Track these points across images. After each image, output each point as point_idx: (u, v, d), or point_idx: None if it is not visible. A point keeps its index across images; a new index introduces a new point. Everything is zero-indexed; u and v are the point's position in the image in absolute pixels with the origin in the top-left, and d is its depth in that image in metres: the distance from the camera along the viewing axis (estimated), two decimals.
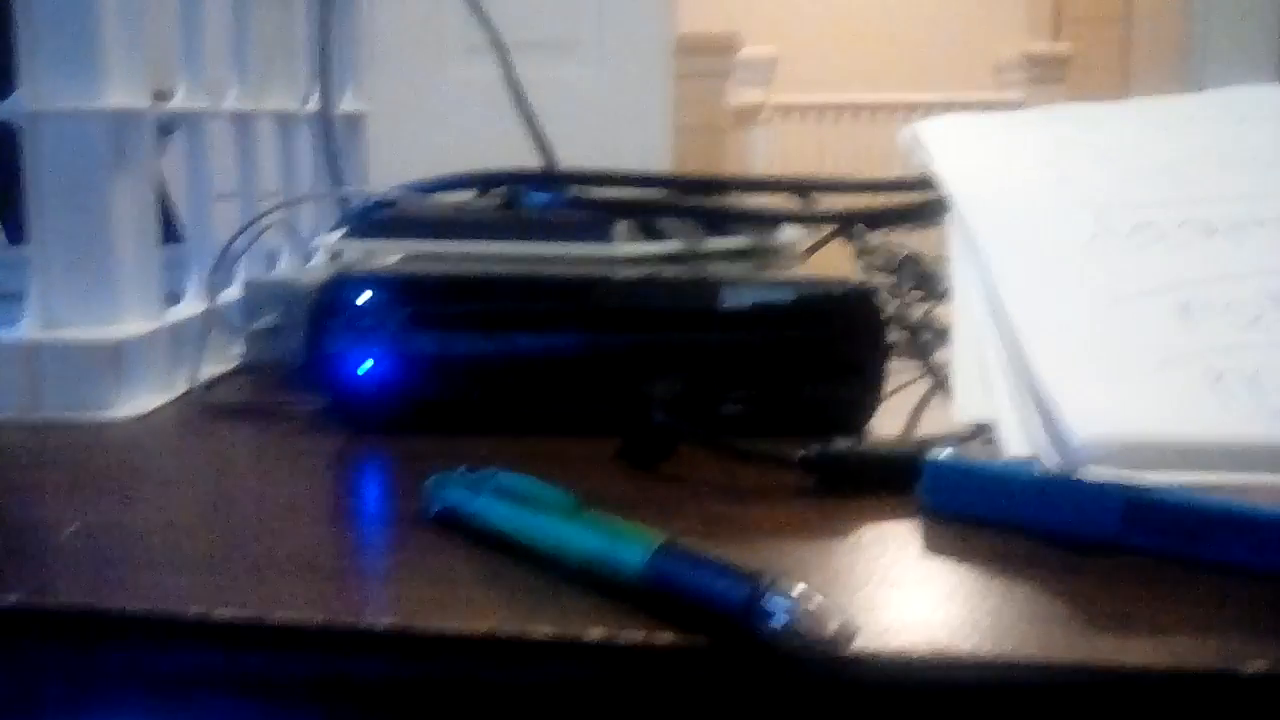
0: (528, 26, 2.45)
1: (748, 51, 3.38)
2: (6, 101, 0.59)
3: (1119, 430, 0.42)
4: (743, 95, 3.54)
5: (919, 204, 0.62)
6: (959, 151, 0.62)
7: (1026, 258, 0.53)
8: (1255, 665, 0.33)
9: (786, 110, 4.09)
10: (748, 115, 3.64)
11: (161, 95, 0.65)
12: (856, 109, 4.17)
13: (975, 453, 0.45)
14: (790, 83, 4.02)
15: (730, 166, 3.17)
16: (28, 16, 0.59)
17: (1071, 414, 0.43)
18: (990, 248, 0.54)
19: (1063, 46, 4.10)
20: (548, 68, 2.45)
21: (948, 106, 4.12)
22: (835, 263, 0.71)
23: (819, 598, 0.33)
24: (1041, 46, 4.13)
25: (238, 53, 0.74)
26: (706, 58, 3.02)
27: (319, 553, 0.43)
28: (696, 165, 2.87)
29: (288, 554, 0.42)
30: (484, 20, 0.87)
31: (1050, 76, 4.02)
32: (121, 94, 0.60)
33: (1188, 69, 3.09)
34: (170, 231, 0.73)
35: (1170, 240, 0.54)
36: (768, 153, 3.87)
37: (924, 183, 0.62)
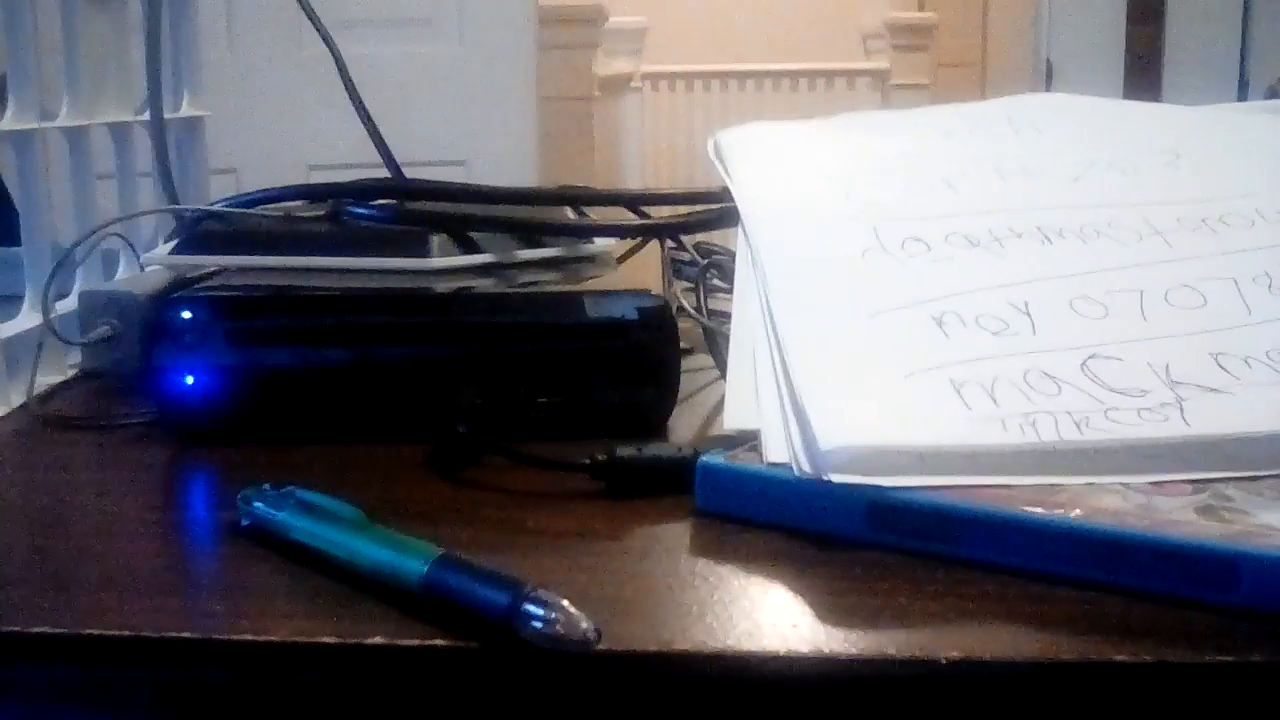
0: (387, 4, 2.47)
1: (616, 21, 3.41)
2: None
3: (863, 438, 0.47)
4: (612, 65, 3.57)
5: (715, 215, 0.66)
6: (752, 162, 0.67)
7: (801, 270, 0.58)
8: (951, 654, 0.38)
9: (656, 79, 4.12)
10: (617, 84, 3.67)
11: None
12: (726, 77, 4.22)
13: (743, 458, 0.50)
14: (660, 52, 4.05)
15: (600, 136, 3.20)
16: None
17: (820, 422, 0.47)
18: (768, 259, 0.59)
19: (927, 15, 4.19)
20: (407, 45, 2.47)
21: (814, 74, 4.20)
22: (649, 265, 0.75)
23: (566, 604, 0.38)
24: (906, 15, 4.21)
25: (69, 66, 0.76)
26: (573, 28, 3.04)
27: (134, 567, 0.46)
28: (565, 136, 2.90)
29: (105, 569, 0.46)
30: (306, 8, 0.88)
31: (915, 45, 4.11)
32: None
33: (1038, 35, 3.20)
34: (12, 232, 0.75)
35: (935, 253, 0.59)
36: (638, 122, 3.91)
37: (726, 193, 0.66)
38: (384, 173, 0.89)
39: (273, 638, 0.40)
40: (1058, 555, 0.43)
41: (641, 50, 3.91)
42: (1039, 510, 0.44)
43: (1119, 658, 0.38)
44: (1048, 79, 3.08)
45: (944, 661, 0.38)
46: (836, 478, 0.46)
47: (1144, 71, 2.80)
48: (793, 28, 4.31)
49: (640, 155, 3.91)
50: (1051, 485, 0.46)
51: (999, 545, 0.44)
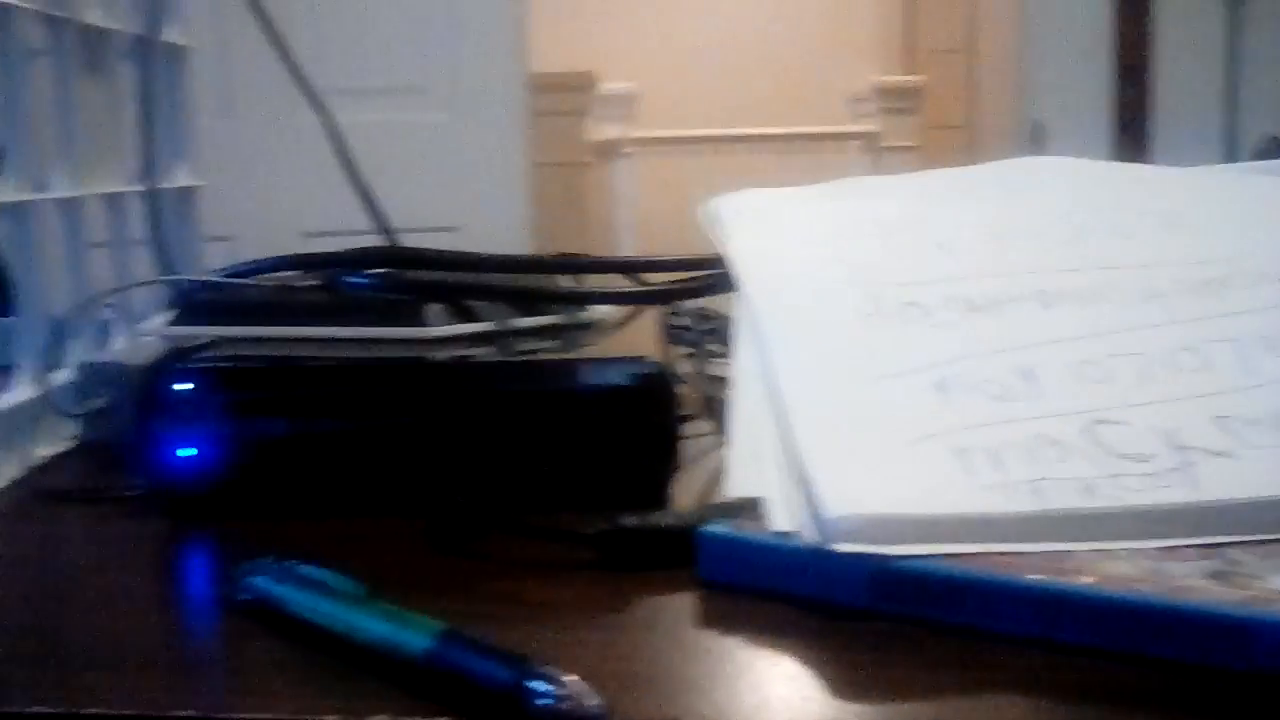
0: (377, 73, 2.49)
1: (607, 87, 3.44)
2: None
3: (868, 507, 0.46)
4: (603, 130, 3.60)
5: (713, 281, 0.66)
6: (748, 229, 0.67)
7: (802, 336, 0.58)
8: None
9: (647, 144, 4.15)
10: (609, 150, 3.69)
11: None
12: (716, 141, 4.24)
13: (746, 526, 0.49)
14: (650, 117, 4.08)
15: (592, 201, 3.21)
16: None
17: (826, 491, 0.47)
18: (768, 326, 0.59)
19: (915, 78, 4.22)
20: (401, 113, 2.49)
21: (804, 138, 4.22)
22: (647, 331, 0.75)
23: (574, 680, 0.37)
24: (894, 79, 4.25)
25: (63, 136, 0.76)
26: (564, 95, 3.07)
27: (133, 644, 0.45)
28: (557, 202, 2.91)
29: (104, 646, 0.45)
30: (300, 78, 0.89)
31: (904, 108, 4.14)
32: None
33: (1025, 96, 3.22)
34: (4, 304, 0.75)
35: (935, 318, 0.58)
36: (629, 186, 3.93)
37: (720, 260, 0.66)
38: (379, 240, 0.89)
39: (275, 716, 0.39)
40: (1069, 623, 0.42)
41: (632, 116, 3.94)
42: (1048, 577, 0.43)
43: None
44: (1036, 140, 3.10)
45: None
46: (843, 547, 0.45)
47: (1132, 132, 2.83)
48: (782, 92, 4.34)
49: (632, 219, 3.92)
50: (1059, 551, 0.45)
51: (1009, 614, 0.43)
